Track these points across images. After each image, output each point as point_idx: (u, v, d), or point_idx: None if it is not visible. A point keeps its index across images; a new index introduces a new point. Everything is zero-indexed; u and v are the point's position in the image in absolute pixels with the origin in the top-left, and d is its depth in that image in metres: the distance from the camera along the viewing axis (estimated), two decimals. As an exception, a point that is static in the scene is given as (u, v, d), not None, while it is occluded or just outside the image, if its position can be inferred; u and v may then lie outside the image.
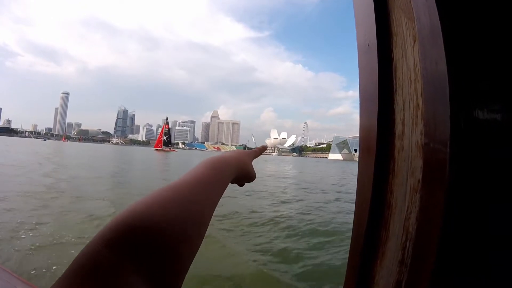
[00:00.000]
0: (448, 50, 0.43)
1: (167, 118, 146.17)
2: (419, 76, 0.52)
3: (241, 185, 0.59)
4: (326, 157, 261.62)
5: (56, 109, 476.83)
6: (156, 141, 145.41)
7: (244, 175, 0.57)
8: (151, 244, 0.27)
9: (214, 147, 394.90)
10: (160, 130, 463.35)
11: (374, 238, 0.62)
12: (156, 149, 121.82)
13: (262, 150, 0.70)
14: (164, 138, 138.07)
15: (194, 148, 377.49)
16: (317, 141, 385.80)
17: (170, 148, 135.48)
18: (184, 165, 31.80)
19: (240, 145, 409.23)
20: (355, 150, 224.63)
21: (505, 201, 0.44)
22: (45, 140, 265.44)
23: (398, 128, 0.59)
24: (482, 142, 0.43)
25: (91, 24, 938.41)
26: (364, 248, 0.64)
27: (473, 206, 0.43)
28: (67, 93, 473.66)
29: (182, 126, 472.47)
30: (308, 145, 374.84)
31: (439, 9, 0.44)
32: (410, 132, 0.55)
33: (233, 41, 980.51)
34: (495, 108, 0.44)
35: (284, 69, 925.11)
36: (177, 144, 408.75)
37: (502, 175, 0.44)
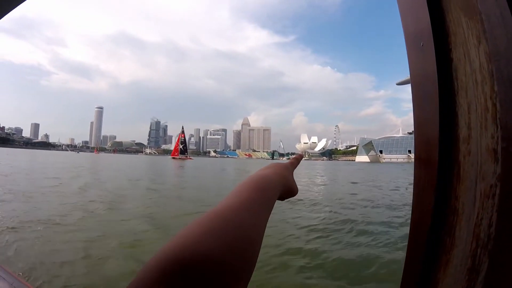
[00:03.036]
0: None
1: (182, 128, 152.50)
2: (487, 77, 0.50)
3: (282, 199, 0.54)
4: (354, 160, 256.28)
5: (92, 123, 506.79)
6: (172, 150, 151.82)
7: (287, 191, 0.54)
8: (208, 280, 0.25)
9: (245, 154, 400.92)
10: (192, 139, 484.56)
11: (436, 245, 0.60)
12: (173, 158, 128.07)
13: (299, 159, 0.68)
14: (181, 146, 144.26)
15: (225, 155, 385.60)
16: (348, 143, 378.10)
17: (186, 156, 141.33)
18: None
19: (270, 151, 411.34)
20: (381, 152, 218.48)
21: None
22: (78, 152, 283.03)
23: (463, 132, 0.57)
24: None
25: (120, 40, 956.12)
26: (425, 255, 0.62)
27: None
28: (101, 108, 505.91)
29: (213, 135, 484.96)
30: (339, 148, 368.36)
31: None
32: (478, 136, 0.53)
33: (259, 47, 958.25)
34: None
35: (312, 72, 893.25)
36: (209, 152, 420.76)
37: None
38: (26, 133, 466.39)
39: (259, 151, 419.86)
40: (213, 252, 0.27)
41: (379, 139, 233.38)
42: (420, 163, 0.65)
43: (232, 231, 0.31)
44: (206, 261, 0.26)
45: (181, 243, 0.27)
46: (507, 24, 0.43)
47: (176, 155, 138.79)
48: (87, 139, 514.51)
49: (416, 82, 0.66)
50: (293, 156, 0.67)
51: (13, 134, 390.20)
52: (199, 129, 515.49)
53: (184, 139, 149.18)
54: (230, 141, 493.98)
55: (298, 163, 0.66)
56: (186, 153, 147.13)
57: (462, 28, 0.55)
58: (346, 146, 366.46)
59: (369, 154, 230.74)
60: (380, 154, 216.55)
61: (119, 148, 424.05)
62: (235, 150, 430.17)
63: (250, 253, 0.31)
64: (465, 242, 0.54)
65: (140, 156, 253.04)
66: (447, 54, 0.59)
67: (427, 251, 0.62)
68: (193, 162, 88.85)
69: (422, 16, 0.61)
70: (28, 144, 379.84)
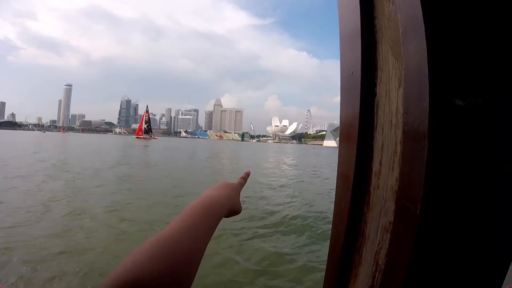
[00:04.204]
0: (432, 114, 0.43)
1: (147, 107, 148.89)
2: (400, 123, 0.53)
3: (226, 217, 0.57)
4: (322, 144, 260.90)
5: (60, 101, 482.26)
6: (137, 130, 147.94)
7: (231, 211, 0.58)
8: None
9: (216, 135, 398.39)
10: (163, 118, 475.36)
11: (349, 259, 0.66)
12: (137, 137, 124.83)
13: (246, 178, 0.72)
14: (145, 126, 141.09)
15: (196, 136, 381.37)
16: (319, 128, 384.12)
17: (151, 136, 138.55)
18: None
19: (241, 133, 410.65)
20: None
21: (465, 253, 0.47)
22: (44, 132, 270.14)
23: (376, 166, 0.60)
24: (453, 208, 0.45)
25: (94, 14, 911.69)
26: (339, 268, 0.67)
27: (442, 256, 0.47)
28: (70, 85, 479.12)
29: (185, 115, 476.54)
30: (309, 132, 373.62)
31: (430, 65, 0.44)
32: (386, 174, 0.56)
33: (237, 29, 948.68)
34: (466, 175, 0.45)
35: (288, 56, 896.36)
36: (180, 132, 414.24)
37: (469, 226, 0.46)
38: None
39: (230, 132, 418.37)
40: (156, 276, 0.33)
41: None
42: (340, 185, 0.70)
43: (175, 257, 0.36)
44: (149, 284, 0.32)
45: (128, 267, 0.33)
46: (421, 77, 0.45)
47: (140, 135, 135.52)
48: (55, 118, 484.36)
49: (344, 110, 0.68)
50: (241, 176, 0.71)
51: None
52: (171, 109, 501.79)
53: (149, 119, 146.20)
54: (202, 121, 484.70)
55: (245, 181, 0.71)
56: (150, 133, 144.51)
57: (388, 66, 0.56)
58: (317, 131, 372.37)
59: (336, 139, 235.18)
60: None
61: (88, 127, 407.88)
62: (206, 131, 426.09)
63: (190, 273, 0.37)
64: (368, 263, 0.60)
65: (108, 135, 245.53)
66: (373, 87, 0.61)
67: (341, 264, 0.67)
68: (157, 142, 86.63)
69: (355, 45, 0.63)
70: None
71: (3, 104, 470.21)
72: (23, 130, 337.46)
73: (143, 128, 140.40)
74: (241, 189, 0.66)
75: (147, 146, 53.10)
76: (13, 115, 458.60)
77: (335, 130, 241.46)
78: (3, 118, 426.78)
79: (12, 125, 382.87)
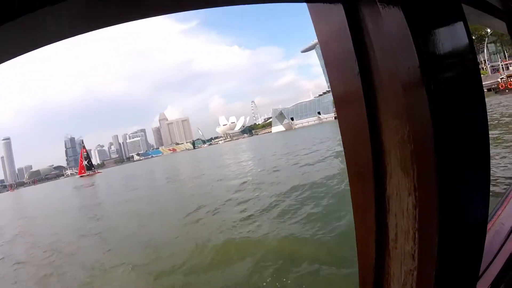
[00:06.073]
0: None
1: (82, 142, 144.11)
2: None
3: None
4: (271, 131, 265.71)
5: (2, 158, 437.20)
6: (79, 169, 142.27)
7: None
8: None
9: (169, 150, 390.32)
10: (112, 147, 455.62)
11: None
12: (81, 176, 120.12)
13: None
14: (85, 162, 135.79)
15: (150, 156, 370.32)
16: (266, 116, 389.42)
17: (95, 171, 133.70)
18: None
19: (192, 141, 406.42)
20: (292, 119, 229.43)
21: None
22: None
23: (392, 234, 0.69)
24: None
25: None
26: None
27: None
28: (8, 138, 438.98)
29: (133, 138, 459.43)
30: (258, 123, 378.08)
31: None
32: (403, 240, 0.66)
33: (165, 38, 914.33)
34: None
35: (220, 53, 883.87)
36: (133, 157, 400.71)
37: None
38: None
39: (182, 143, 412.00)
40: None
41: (291, 107, 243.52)
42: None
43: None
44: None
45: None
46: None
47: (83, 173, 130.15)
48: (2, 177, 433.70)
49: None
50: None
51: None
52: (117, 135, 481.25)
53: (87, 154, 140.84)
54: (152, 140, 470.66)
55: None
56: (93, 168, 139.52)
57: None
58: (265, 119, 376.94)
59: (283, 123, 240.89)
60: (292, 121, 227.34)
61: (38, 177, 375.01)
62: (158, 148, 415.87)
63: None
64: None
65: (60, 180, 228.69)
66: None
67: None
68: (102, 176, 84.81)
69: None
70: None
71: None
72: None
73: (84, 166, 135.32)
74: None
75: (93, 184, 50.31)
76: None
77: (279, 114, 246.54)
78: None
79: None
